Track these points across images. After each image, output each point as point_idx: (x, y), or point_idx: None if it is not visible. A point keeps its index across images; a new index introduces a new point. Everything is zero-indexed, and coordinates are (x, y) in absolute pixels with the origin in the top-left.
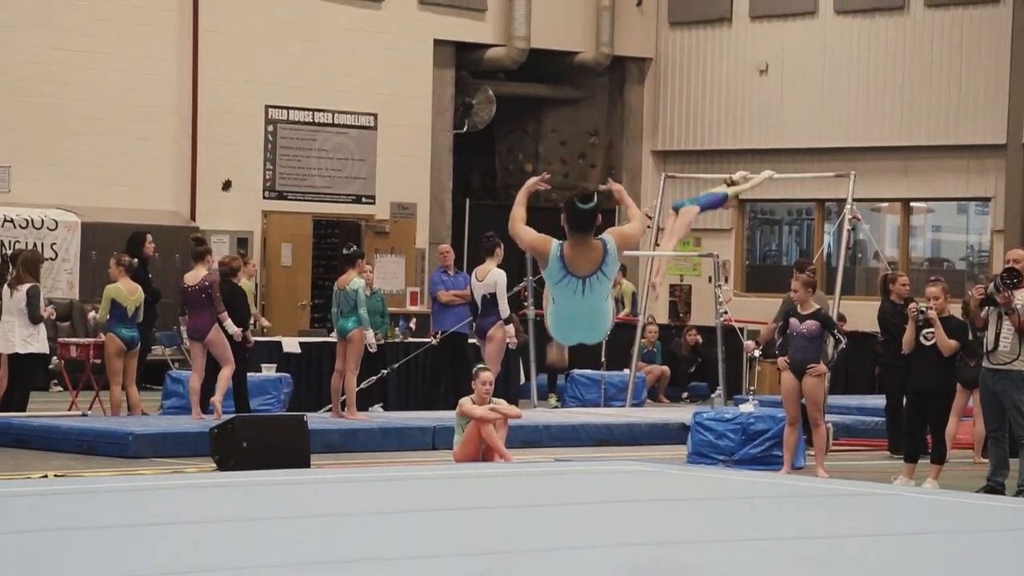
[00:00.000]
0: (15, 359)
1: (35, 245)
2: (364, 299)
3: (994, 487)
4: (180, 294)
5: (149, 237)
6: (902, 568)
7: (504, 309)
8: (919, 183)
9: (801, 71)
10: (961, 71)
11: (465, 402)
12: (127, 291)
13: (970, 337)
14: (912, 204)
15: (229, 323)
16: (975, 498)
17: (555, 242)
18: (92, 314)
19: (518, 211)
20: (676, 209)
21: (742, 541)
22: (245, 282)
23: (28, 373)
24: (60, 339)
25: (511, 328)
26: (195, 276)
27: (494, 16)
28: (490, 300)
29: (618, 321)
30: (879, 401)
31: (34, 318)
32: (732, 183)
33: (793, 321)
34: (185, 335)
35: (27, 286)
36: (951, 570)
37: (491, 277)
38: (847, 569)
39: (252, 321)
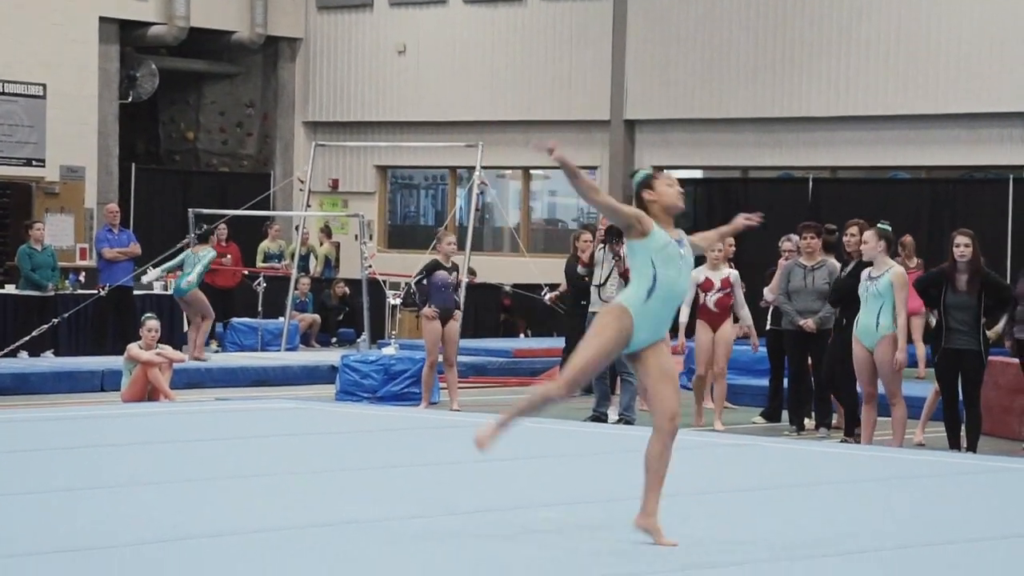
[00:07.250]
0: None
1: None
2: None
3: (599, 417)
4: None
5: None
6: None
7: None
8: (537, 153)
9: (435, 53)
10: (571, 56)
11: (133, 347)
12: None
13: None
14: (532, 171)
15: None
16: (585, 427)
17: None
18: None
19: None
20: None
21: (373, 469)
22: None
23: None
24: None
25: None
26: None
27: None
28: None
29: (273, 275)
30: (502, 344)
31: None
32: None
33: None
34: None
35: None
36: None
37: None
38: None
39: None
